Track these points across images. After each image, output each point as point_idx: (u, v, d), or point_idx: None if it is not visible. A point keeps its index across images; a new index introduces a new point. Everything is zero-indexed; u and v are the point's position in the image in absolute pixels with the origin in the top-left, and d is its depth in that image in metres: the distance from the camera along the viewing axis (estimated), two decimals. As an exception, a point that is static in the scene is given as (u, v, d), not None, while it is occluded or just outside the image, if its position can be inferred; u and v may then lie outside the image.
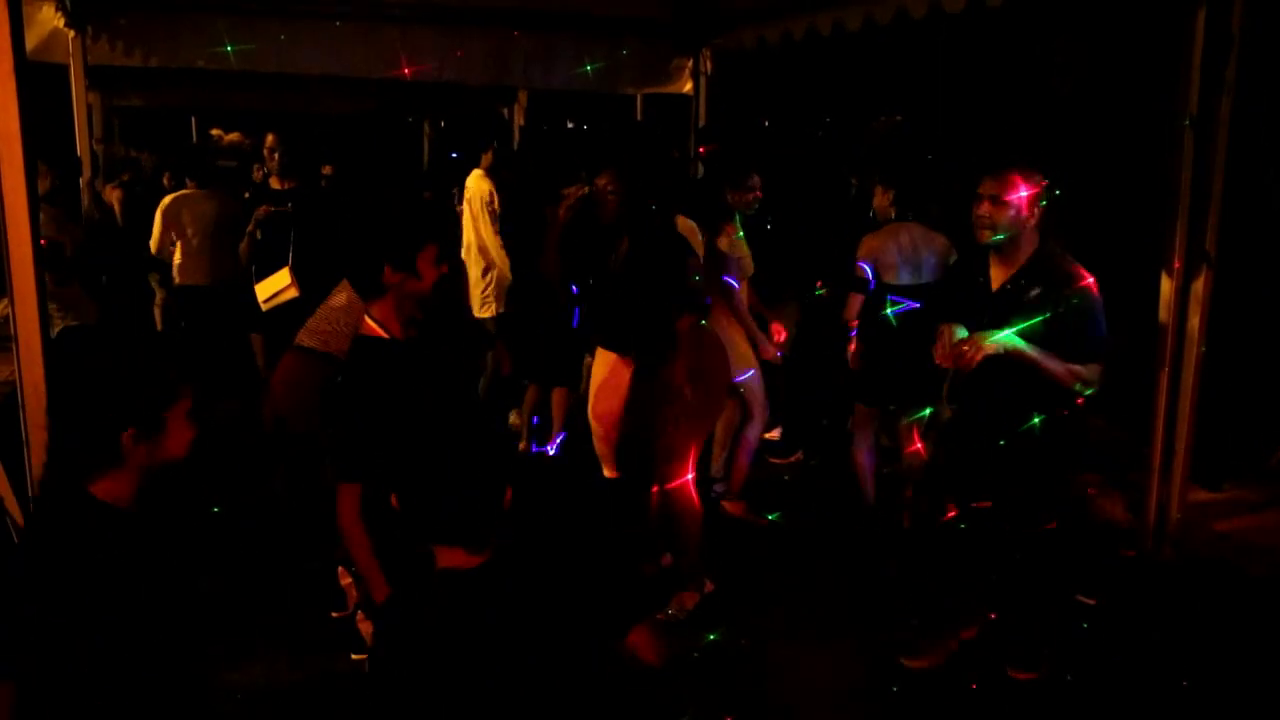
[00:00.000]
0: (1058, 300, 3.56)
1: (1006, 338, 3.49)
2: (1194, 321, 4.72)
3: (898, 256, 5.07)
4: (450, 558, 2.19)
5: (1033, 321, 3.53)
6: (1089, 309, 3.58)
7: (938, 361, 3.60)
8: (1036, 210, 3.60)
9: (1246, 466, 5.64)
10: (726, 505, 5.70)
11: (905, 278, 5.05)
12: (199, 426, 2.26)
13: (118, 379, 2.16)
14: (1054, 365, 3.53)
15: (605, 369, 5.10)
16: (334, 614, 4.30)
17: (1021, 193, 3.58)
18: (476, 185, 6.78)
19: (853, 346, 5.27)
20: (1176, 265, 4.70)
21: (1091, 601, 4.56)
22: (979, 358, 3.48)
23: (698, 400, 4.50)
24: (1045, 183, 3.63)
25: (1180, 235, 4.69)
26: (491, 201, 6.70)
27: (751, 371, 5.52)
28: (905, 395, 5.31)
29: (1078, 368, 3.56)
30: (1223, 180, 4.62)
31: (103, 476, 2.13)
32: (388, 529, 2.82)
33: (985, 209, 3.62)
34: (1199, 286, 4.69)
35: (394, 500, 2.33)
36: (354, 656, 3.98)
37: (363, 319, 3.08)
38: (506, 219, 6.58)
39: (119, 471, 2.14)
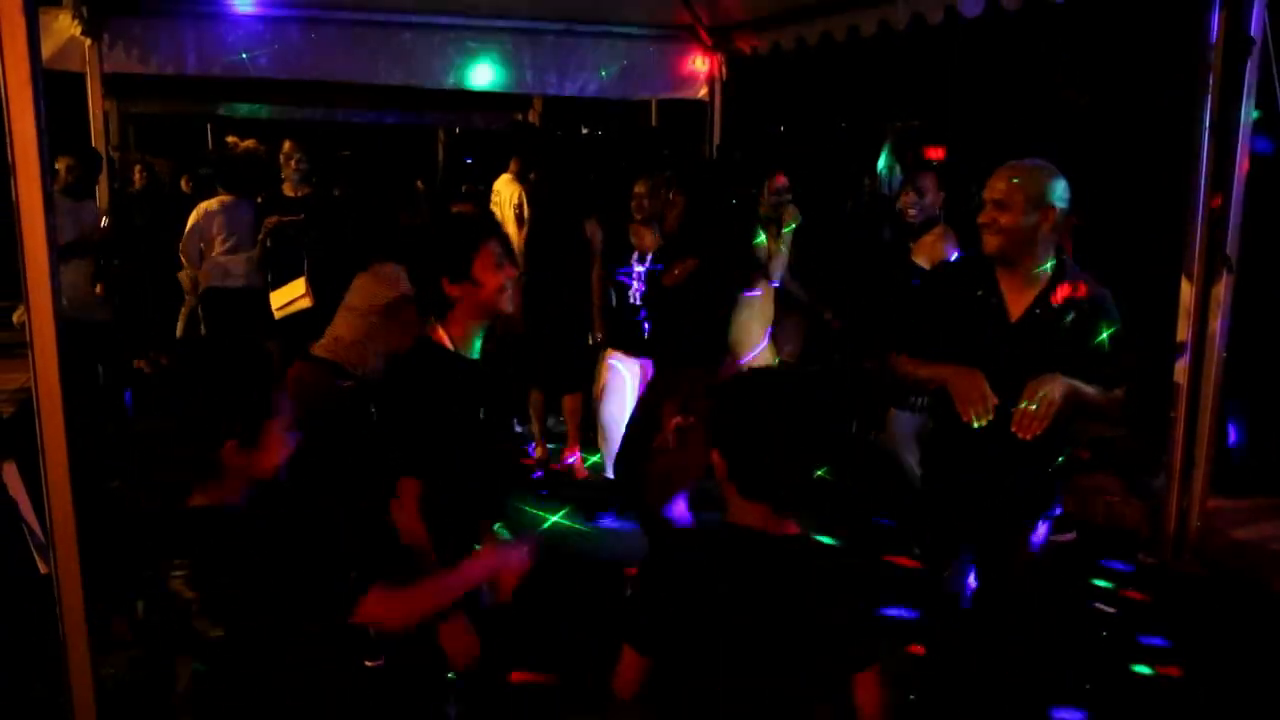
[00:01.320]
0: (1094, 326, 3.08)
1: (1064, 380, 2.92)
2: (1214, 326, 4.69)
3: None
4: (748, 514, 2.07)
5: (1067, 351, 3.03)
6: (1121, 329, 3.13)
7: (971, 421, 2.93)
8: (1053, 215, 3.04)
9: (1268, 474, 5.58)
10: None
11: None
12: (293, 444, 2.18)
13: (225, 386, 2.12)
14: (1101, 399, 3.05)
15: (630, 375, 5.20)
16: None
17: (1034, 193, 3.02)
18: (508, 189, 6.82)
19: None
20: (1196, 270, 4.67)
21: (1111, 610, 4.53)
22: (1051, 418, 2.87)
23: (687, 434, 4.48)
24: (1061, 179, 3.09)
25: (1200, 240, 4.66)
26: (520, 206, 6.72)
27: None
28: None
29: (1117, 394, 3.11)
30: (1244, 184, 4.59)
31: (201, 492, 2.11)
32: (445, 530, 2.75)
33: (991, 215, 3.06)
34: (1219, 291, 4.66)
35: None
36: (368, 664, 3.96)
37: (431, 327, 2.92)
38: (536, 224, 6.54)
39: (217, 486, 2.11)
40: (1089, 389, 2.99)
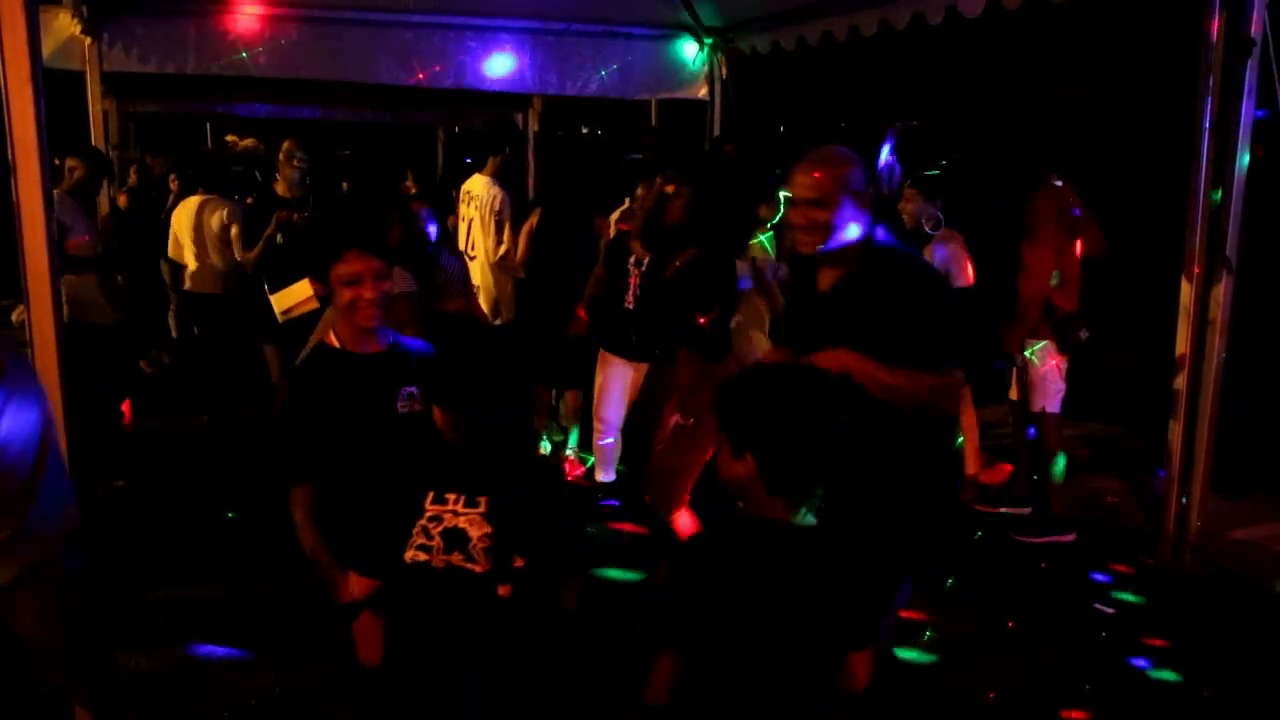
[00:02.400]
0: (900, 300, 2.85)
1: (850, 356, 2.71)
2: (1214, 327, 4.69)
3: (965, 260, 5.07)
4: (772, 507, 2.08)
5: (871, 325, 2.82)
6: (935, 301, 2.91)
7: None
8: (866, 197, 2.92)
9: (1268, 474, 5.58)
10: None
11: (969, 279, 5.05)
12: None
13: None
14: (908, 382, 2.77)
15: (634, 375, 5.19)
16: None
17: (847, 182, 2.89)
18: (487, 191, 6.70)
19: None
20: (1196, 270, 4.67)
21: (1110, 611, 4.53)
22: None
23: (686, 433, 4.46)
24: (859, 162, 2.96)
25: (1200, 240, 4.66)
26: (501, 210, 6.62)
27: None
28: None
29: (934, 379, 2.81)
30: (1243, 185, 4.59)
31: None
32: (349, 527, 2.69)
33: (807, 215, 2.90)
34: (1219, 292, 4.66)
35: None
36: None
37: (326, 329, 2.95)
38: (540, 223, 6.47)
39: None
40: (894, 371, 2.75)
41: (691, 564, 2.19)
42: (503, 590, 2.49)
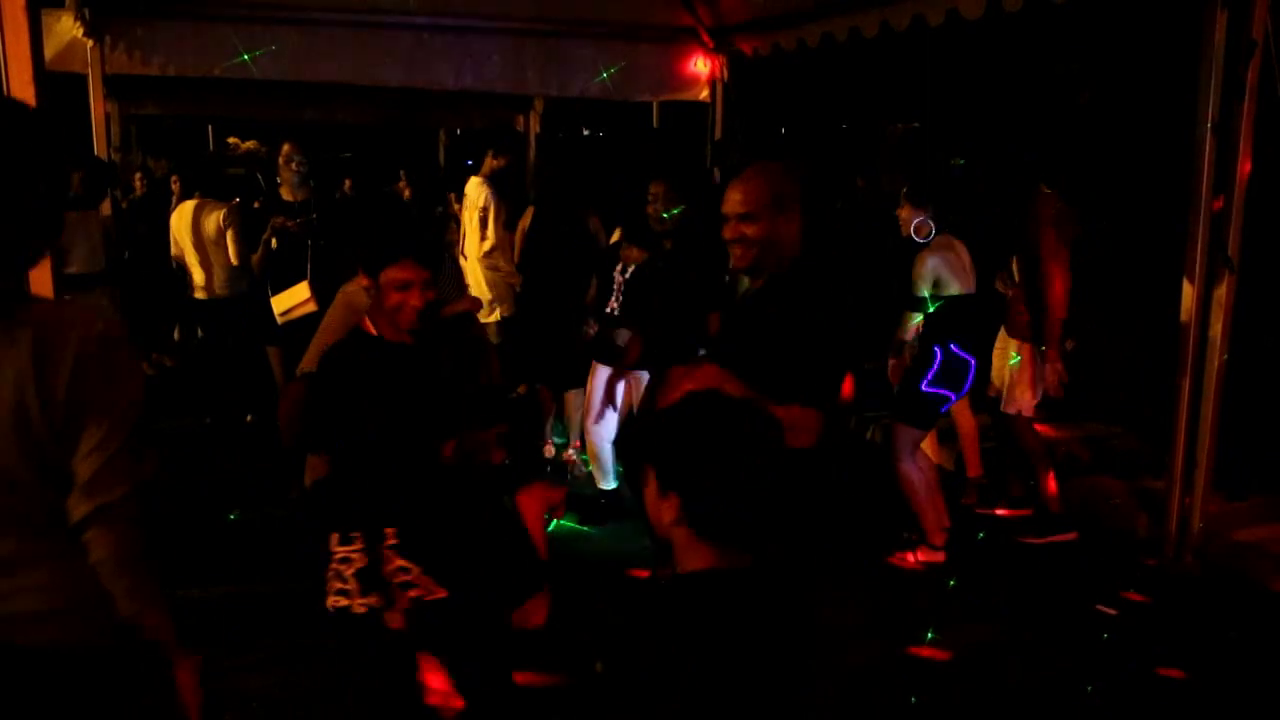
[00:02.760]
0: (793, 323, 2.78)
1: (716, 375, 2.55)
2: (1216, 328, 4.69)
3: (961, 268, 5.04)
4: (703, 557, 1.83)
5: (763, 343, 2.76)
6: (818, 337, 2.77)
7: None
8: (798, 216, 2.88)
9: (1270, 476, 5.57)
10: None
11: (968, 286, 5.03)
12: None
13: None
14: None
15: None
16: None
17: (779, 197, 2.87)
18: (476, 192, 6.70)
19: (895, 362, 5.15)
20: (1198, 271, 4.67)
21: (1112, 612, 4.53)
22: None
23: None
24: (796, 179, 2.94)
25: (1202, 241, 4.66)
26: (486, 210, 6.61)
27: None
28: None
29: (783, 412, 2.30)
30: (1245, 185, 4.58)
31: None
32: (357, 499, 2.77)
33: (738, 230, 2.87)
34: (1221, 293, 4.66)
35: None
36: None
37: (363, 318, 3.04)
38: (537, 222, 6.42)
39: None
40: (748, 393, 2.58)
41: (629, 640, 1.92)
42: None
